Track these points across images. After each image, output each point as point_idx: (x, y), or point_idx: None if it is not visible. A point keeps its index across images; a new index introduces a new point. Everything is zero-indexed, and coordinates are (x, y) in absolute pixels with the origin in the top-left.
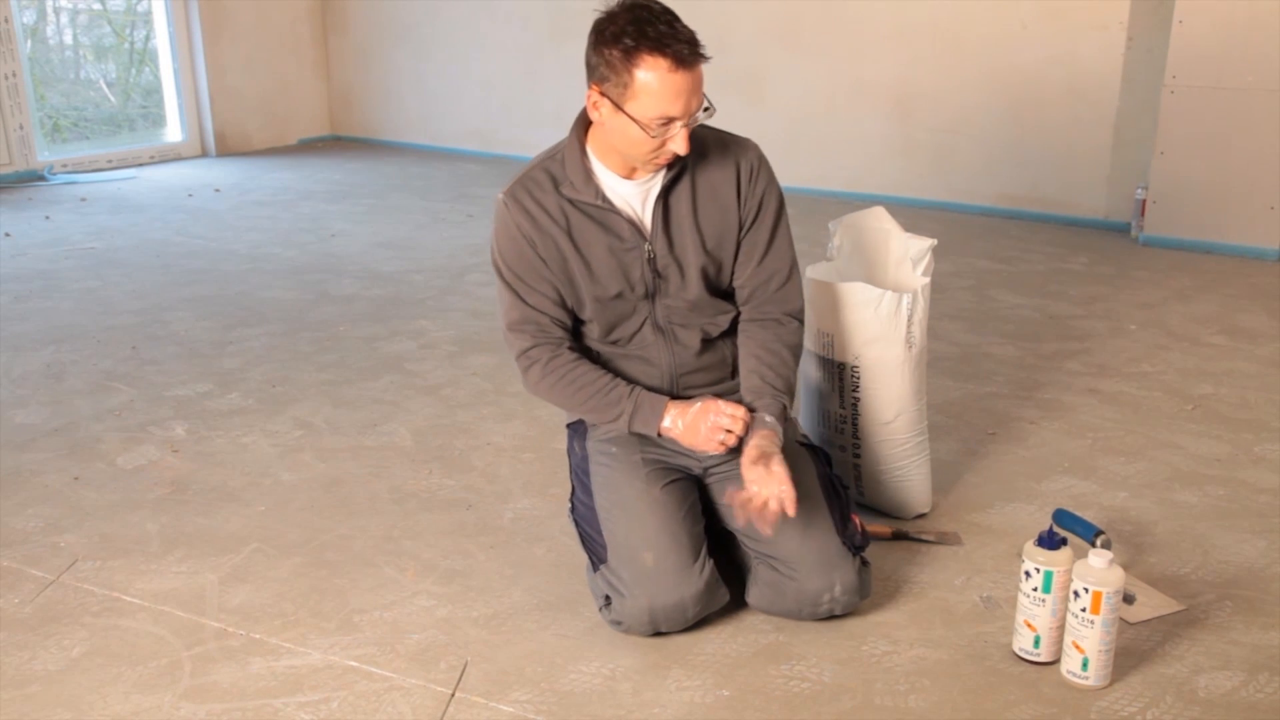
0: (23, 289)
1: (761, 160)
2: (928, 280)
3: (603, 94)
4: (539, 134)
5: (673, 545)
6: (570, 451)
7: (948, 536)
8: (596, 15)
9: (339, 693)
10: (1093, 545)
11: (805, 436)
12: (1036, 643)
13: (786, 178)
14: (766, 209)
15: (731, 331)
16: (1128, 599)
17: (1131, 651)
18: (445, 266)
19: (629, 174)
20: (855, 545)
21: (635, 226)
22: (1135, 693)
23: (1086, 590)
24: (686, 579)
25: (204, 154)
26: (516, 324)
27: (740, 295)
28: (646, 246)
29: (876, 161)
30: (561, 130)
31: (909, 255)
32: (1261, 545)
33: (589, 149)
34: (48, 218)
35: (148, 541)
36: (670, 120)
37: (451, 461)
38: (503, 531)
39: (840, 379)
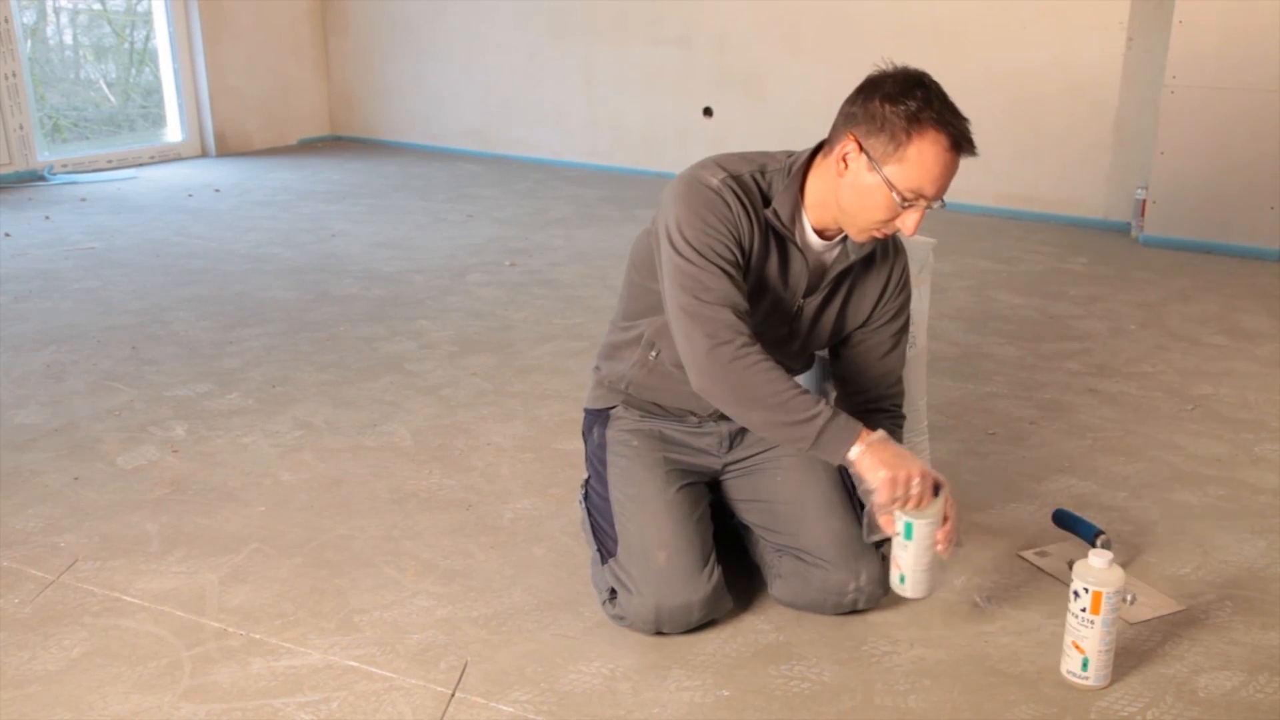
0: (23, 289)
1: (906, 272)
2: (928, 280)
3: (861, 148)
4: (539, 134)
5: (685, 548)
6: (587, 436)
7: None
8: (872, 73)
9: (339, 693)
10: (1093, 545)
11: None
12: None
13: None
14: (899, 317)
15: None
16: (1128, 599)
17: (1131, 651)
18: (445, 266)
19: (825, 234)
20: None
21: (806, 282)
22: (1135, 693)
23: (1086, 590)
24: (695, 583)
25: (204, 154)
26: (718, 297)
27: (851, 381)
28: (799, 304)
29: None
30: (561, 130)
31: (909, 255)
32: (1261, 545)
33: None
34: (48, 218)
35: (148, 541)
36: (919, 198)
37: (451, 461)
38: (503, 531)
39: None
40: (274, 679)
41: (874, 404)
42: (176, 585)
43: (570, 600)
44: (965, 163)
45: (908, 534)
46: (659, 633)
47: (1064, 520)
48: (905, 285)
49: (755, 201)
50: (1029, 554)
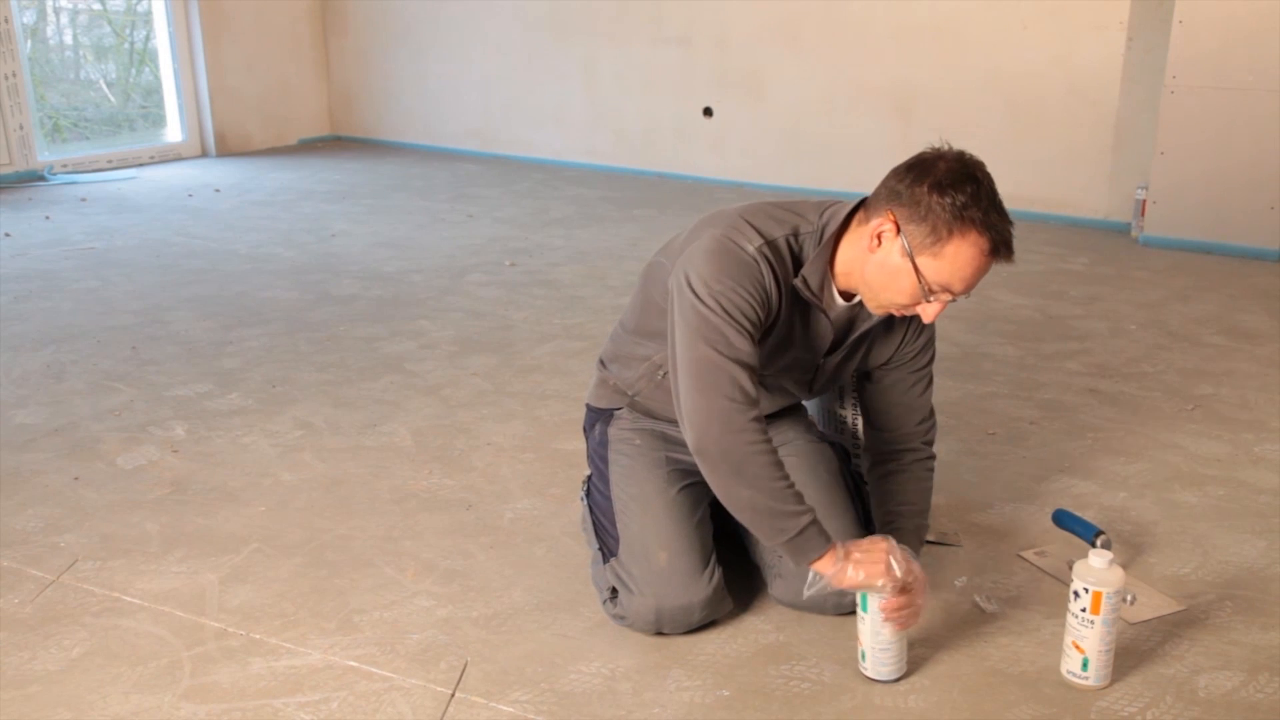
0: (23, 289)
1: None
2: None
3: (899, 231)
4: (539, 134)
5: (686, 548)
6: (588, 432)
7: (948, 536)
8: (927, 151)
9: (339, 693)
10: (1093, 545)
11: (825, 433)
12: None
13: (787, 178)
14: (923, 354)
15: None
16: (1128, 599)
17: (1131, 651)
18: (445, 266)
19: (849, 296)
20: None
21: (830, 343)
22: (1135, 693)
23: (1086, 590)
24: (696, 584)
25: (204, 154)
26: (739, 358)
27: (878, 419)
28: (820, 362)
29: (876, 161)
30: (561, 130)
31: None
32: (1261, 545)
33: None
34: (48, 218)
35: (148, 541)
36: (944, 292)
37: (451, 461)
38: (503, 531)
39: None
40: (274, 679)
41: (901, 442)
42: (176, 585)
43: (570, 600)
44: None
45: (863, 605)
46: (659, 633)
47: (1064, 520)
48: (926, 328)
49: (786, 270)
50: (1029, 554)
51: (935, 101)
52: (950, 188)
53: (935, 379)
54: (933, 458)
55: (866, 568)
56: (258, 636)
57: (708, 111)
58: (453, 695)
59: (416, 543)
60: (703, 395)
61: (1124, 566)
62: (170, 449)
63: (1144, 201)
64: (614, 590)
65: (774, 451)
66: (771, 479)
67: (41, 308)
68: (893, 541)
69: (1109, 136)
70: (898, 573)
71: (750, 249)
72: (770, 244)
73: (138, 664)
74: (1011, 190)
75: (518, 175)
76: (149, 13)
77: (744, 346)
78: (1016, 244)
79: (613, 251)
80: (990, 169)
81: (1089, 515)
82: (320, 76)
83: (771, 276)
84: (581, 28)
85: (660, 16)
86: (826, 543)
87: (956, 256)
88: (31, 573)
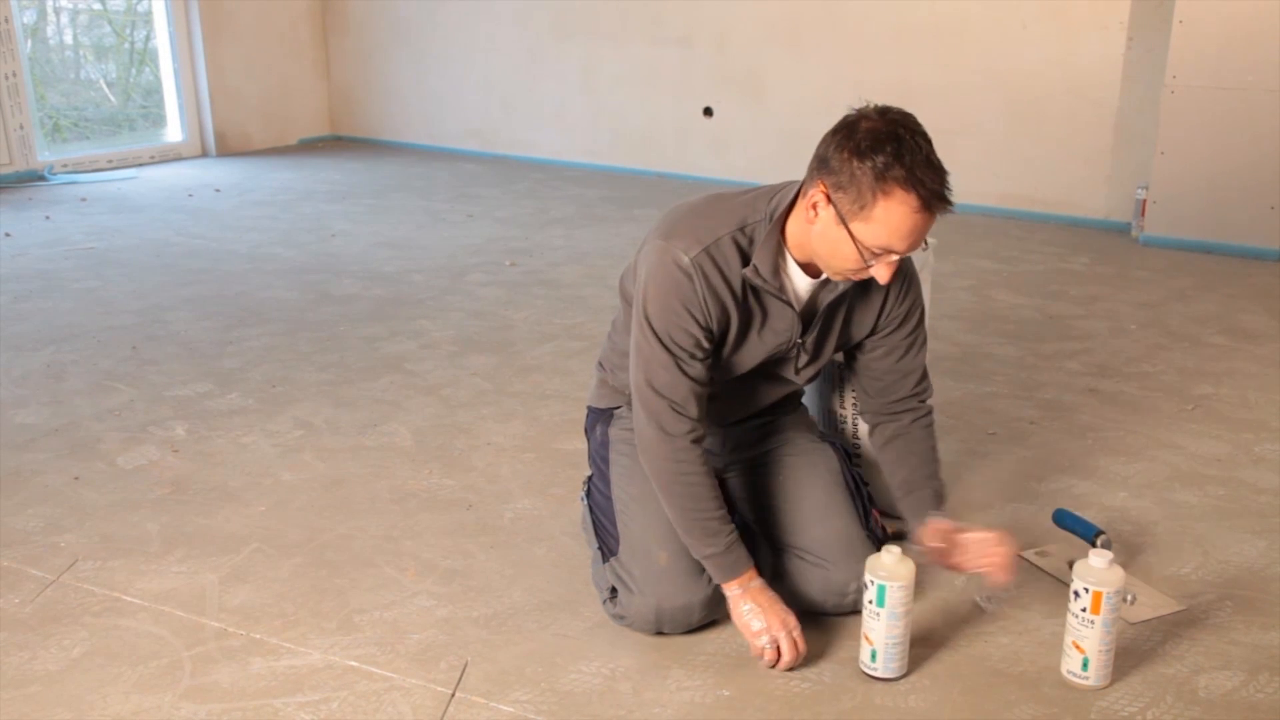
0: (23, 289)
1: (912, 273)
2: (928, 280)
3: (830, 200)
4: (539, 134)
5: (687, 548)
6: (590, 433)
7: None
8: (850, 111)
9: (339, 693)
10: (1093, 545)
11: (825, 433)
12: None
13: (787, 178)
14: (910, 318)
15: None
16: (1128, 599)
17: (1131, 651)
18: (445, 266)
19: (811, 271)
20: (878, 539)
21: (798, 322)
22: (1135, 693)
23: (1086, 590)
24: (696, 584)
25: (204, 154)
26: (666, 388)
27: (872, 386)
28: (797, 341)
29: None
30: (561, 130)
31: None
32: (1261, 545)
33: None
34: (48, 218)
35: (148, 541)
36: (887, 253)
37: (451, 461)
38: (503, 531)
39: (841, 379)
40: (274, 679)
41: (898, 405)
42: (176, 585)
43: (570, 600)
44: (966, 163)
45: (879, 599)
46: (659, 633)
47: (1064, 520)
48: (909, 291)
49: (731, 270)
50: (1029, 554)
51: (935, 101)
52: (870, 151)
53: (935, 379)
54: (931, 412)
55: (747, 617)
56: (258, 636)
57: (708, 111)
58: (453, 695)
59: (416, 543)
60: (644, 419)
61: (1124, 566)
62: (170, 449)
63: (1144, 201)
64: (614, 590)
65: (700, 481)
66: (690, 508)
67: (41, 308)
68: (794, 622)
69: (1109, 136)
70: (778, 650)
71: (685, 261)
72: (708, 249)
73: (138, 664)
74: (1011, 190)
75: (518, 175)
76: (149, 13)
77: (672, 376)
78: (1016, 243)
79: (613, 251)
80: (990, 169)
81: (1089, 515)
82: (320, 76)
83: (706, 287)
84: (581, 28)
85: (660, 17)
86: (730, 576)
87: (888, 219)
88: (31, 573)
